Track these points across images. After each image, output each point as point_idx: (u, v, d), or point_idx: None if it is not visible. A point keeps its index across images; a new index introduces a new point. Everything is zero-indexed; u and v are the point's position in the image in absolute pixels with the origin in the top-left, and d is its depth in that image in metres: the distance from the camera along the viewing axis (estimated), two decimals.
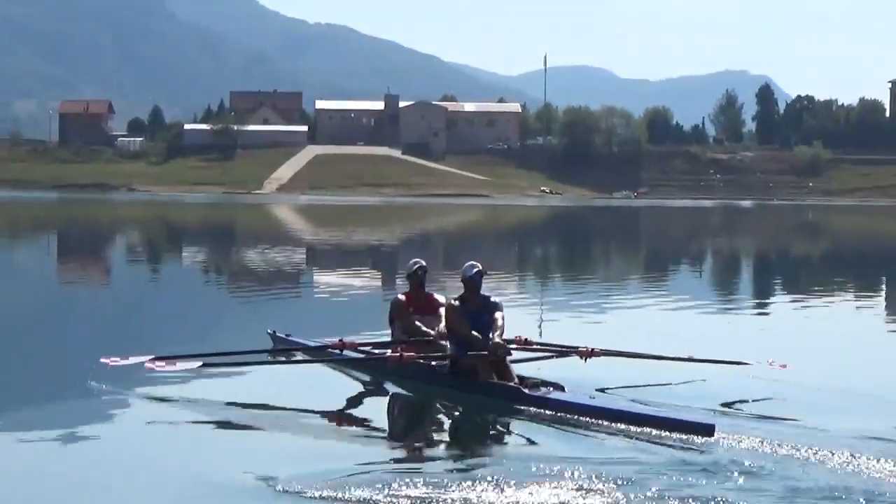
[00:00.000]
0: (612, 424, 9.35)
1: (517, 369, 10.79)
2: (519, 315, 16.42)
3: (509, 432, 9.62)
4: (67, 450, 8.77)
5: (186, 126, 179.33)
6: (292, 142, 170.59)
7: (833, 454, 8.23)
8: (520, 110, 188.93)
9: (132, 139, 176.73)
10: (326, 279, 25.66)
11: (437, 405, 10.66)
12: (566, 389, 10.20)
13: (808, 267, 35.10)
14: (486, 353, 10.61)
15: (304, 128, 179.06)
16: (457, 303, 11.00)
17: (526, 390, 10.20)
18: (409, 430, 10.07)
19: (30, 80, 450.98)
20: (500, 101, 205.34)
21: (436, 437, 9.73)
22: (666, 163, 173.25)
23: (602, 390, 10.85)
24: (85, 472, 8.20)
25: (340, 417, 10.16)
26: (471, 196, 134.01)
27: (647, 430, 9.16)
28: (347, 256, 34.02)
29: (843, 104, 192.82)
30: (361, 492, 7.40)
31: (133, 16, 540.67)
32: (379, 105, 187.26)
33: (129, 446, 8.93)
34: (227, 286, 24.80)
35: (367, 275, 27.93)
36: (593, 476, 7.67)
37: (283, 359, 12.54)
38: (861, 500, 7.23)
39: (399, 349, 11.41)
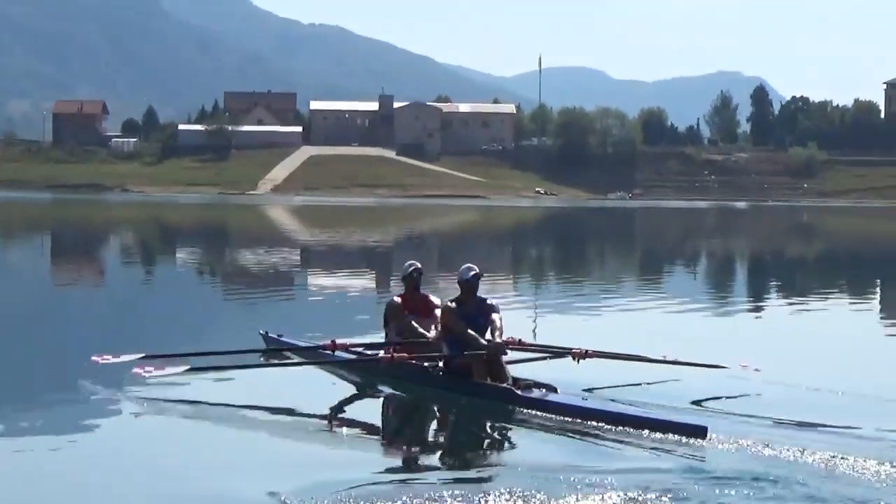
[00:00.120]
0: (604, 426, 9.33)
1: (510, 371, 10.75)
2: (513, 316, 16.36)
3: (502, 434, 9.58)
4: (54, 450, 8.69)
5: (181, 126, 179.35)
6: (287, 142, 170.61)
7: (833, 457, 8.21)
8: (514, 111, 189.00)
9: (126, 139, 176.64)
10: (319, 280, 25.62)
11: (430, 407, 10.63)
12: (559, 391, 10.18)
13: (804, 269, 35.09)
14: (482, 351, 10.56)
15: (299, 128, 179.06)
16: (453, 305, 10.96)
17: (518, 392, 10.18)
18: (401, 431, 10.03)
19: (24, 80, 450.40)
20: (495, 101, 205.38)
21: (428, 439, 9.70)
22: (660, 164, 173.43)
23: (591, 390, 10.84)
24: (72, 473, 8.15)
25: (333, 419, 10.11)
26: (465, 197, 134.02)
27: (640, 431, 9.13)
28: (341, 257, 33.97)
29: (837, 105, 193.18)
30: (354, 493, 7.35)
31: (127, 16, 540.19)
32: (373, 106, 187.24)
33: (118, 447, 8.88)
34: (220, 287, 24.78)
35: (361, 276, 27.89)
36: (585, 478, 7.64)
37: (275, 360, 12.51)
38: (852, 500, 7.22)
39: (391, 350, 11.37)
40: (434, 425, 10.23)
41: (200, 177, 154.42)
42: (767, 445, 8.52)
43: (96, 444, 9.00)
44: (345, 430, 9.69)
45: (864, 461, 8.09)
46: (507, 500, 7.25)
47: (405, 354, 11.13)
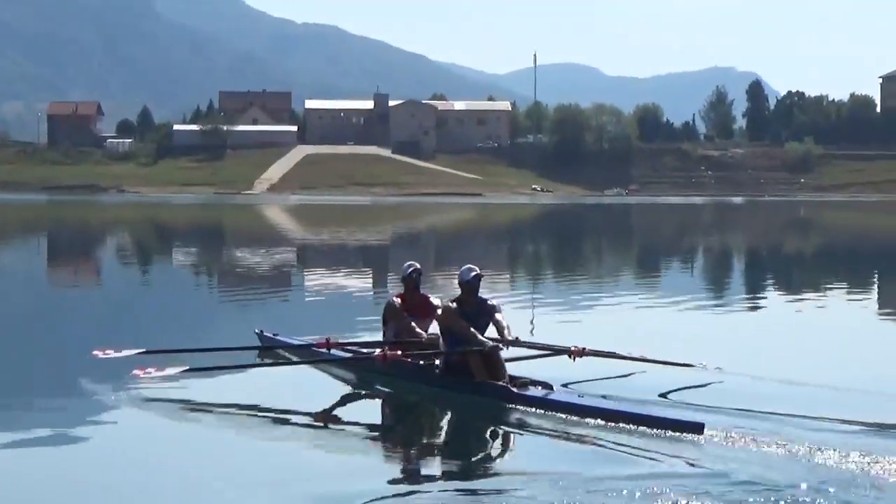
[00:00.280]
0: (600, 423, 9.32)
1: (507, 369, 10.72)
2: (510, 314, 16.27)
3: (498, 431, 9.56)
4: (53, 450, 8.70)
5: (175, 127, 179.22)
6: (282, 142, 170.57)
7: (832, 451, 8.19)
8: (510, 108, 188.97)
9: (121, 140, 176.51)
10: (315, 279, 25.58)
11: (427, 405, 10.62)
12: (555, 388, 10.18)
13: (802, 263, 35.09)
14: (482, 347, 10.52)
15: (294, 128, 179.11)
16: (454, 305, 10.92)
17: (515, 390, 10.16)
18: (396, 429, 10.01)
19: (17, 83, 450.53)
20: (490, 99, 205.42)
21: (423, 437, 9.68)
22: (657, 160, 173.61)
23: (587, 388, 10.81)
24: (71, 472, 8.13)
25: (328, 417, 10.09)
26: (462, 195, 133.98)
27: (636, 428, 9.12)
28: (337, 256, 33.94)
29: (833, 100, 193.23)
30: (351, 491, 7.32)
31: (121, 17, 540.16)
32: (368, 104, 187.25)
33: (115, 445, 8.89)
34: (216, 286, 24.76)
35: (356, 275, 27.85)
36: (582, 475, 7.64)
37: (270, 358, 12.54)
38: (850, 495, 7.22)
39: (385, 348, 11.34)
40: (430, 423, 10.20)
41: (196, 177, 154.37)
42: (764, 441, 8.51)
43: (95, 443, 8.98)
44: (341, 428, 9.68)
45: (867, 456, 8.06)
46: (504, 500, 7.22)
47: (398, 353, 11.10)
